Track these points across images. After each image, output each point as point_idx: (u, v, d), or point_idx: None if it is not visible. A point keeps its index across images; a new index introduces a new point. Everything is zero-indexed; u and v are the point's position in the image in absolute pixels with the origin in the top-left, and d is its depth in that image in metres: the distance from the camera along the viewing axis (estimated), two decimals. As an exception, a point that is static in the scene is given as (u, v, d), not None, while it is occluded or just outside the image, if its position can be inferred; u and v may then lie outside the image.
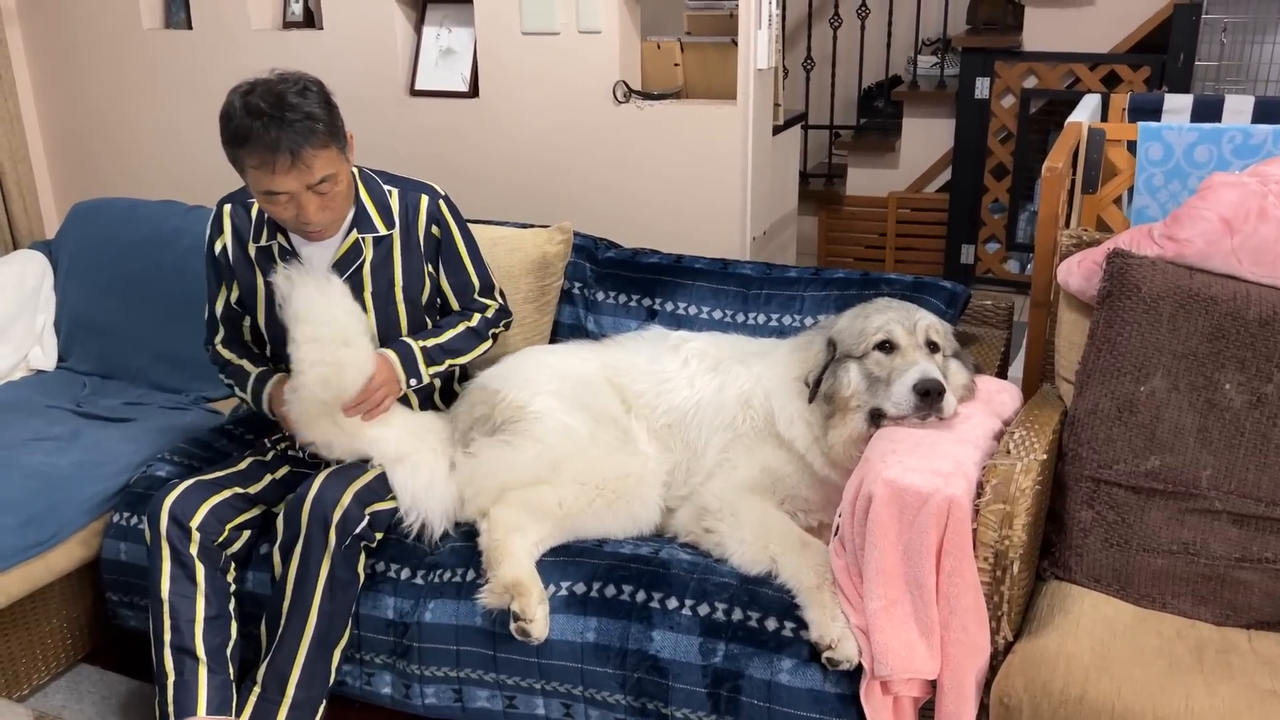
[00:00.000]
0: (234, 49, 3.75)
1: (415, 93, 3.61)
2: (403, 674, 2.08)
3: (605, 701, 1.95)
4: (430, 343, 2.27)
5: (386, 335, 2.26)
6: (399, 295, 2.25)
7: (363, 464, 2.14)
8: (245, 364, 2.31)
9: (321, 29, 3.65)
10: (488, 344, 2.38)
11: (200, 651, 2.02)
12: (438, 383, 2.37)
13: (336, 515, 2.01)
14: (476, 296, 2.37)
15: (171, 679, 2.02)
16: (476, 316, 2.36)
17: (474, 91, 3.53)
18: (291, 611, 2.01)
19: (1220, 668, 1.69)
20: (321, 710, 2.06)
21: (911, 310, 2.07)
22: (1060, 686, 1.66)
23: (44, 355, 3.11)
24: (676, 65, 3.52)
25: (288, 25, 3.79)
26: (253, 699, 2.02)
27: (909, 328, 2.02)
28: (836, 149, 5.89)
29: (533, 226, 2.77)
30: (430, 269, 2.31)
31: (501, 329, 2.42)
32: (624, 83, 3.33)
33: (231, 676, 2.05)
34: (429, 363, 2.25)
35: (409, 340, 2.25)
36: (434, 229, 2.28)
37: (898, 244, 5.45)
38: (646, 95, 3.35)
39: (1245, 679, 1.66)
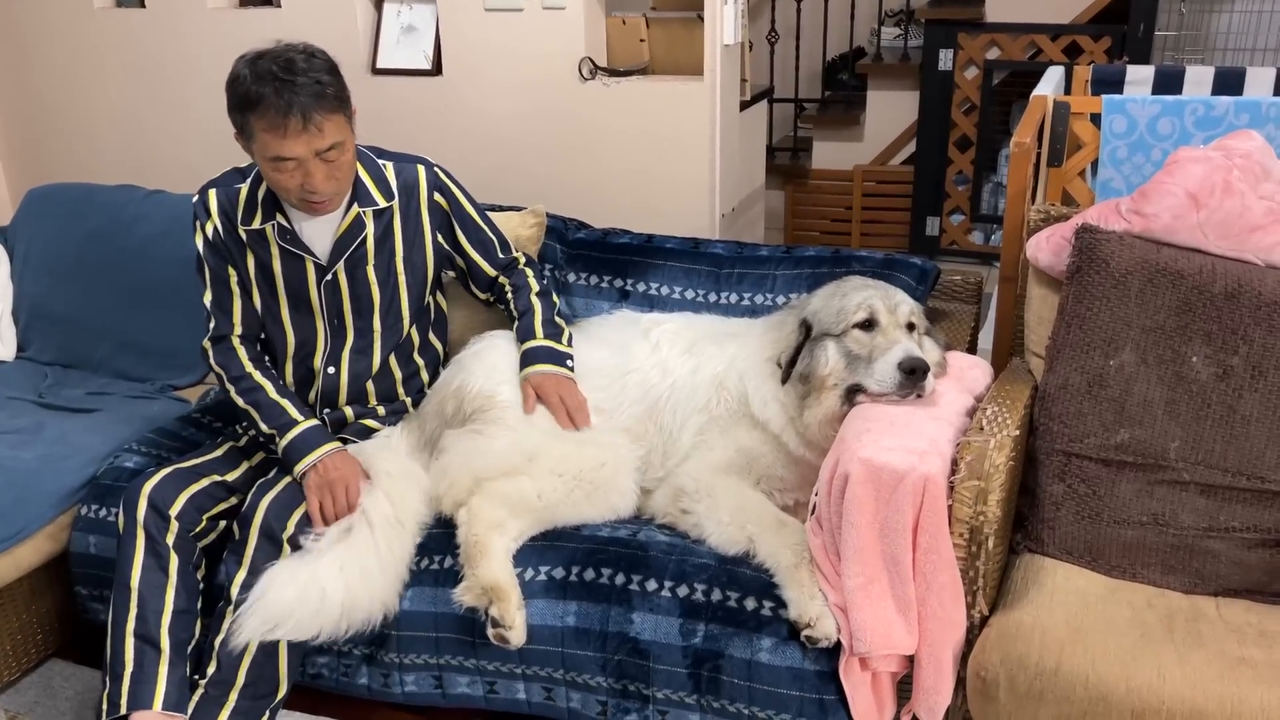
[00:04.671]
0: (189, 28, 3.67)
1: (377, 71, 3.56)
2: (381, 663, 2.07)
3: (587, 684, 1.96)
4: (545, 327, 2.29)
5: (389, 308, 2.25)
6: (400, 265, 2.24)
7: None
8: (283, 402, 2.17)
9: (279, 7, 3.58)
10: (556, 299, 2.42)
11: (164, 644, 1.99)
12: (425, 377, 2.38)
13: (287, 534, 2.02)
14: (500, 255, 2.38)
15: (129, 669, 1.98)
16: (530, 278, 2.39)
17: (437, 69, 3.49)
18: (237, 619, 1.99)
19: (1190, 636, 1.73)
20: (266, 717, 2.04)
21: (890, 290, 2.08)
22: (1036, 659, 1.68)
23: (2, 345, 3.04)
24: (642, 41, 3.50)
25: (244, 3, 3.71)
26: (196, 698, 2.00)
27: (890, 306, 2.02)
28: (801, 123, 5.88)
29: (501, 208, 2.74)
30: (441, 239, 2.30)
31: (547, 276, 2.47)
32: (589, 59, 3.30)
33: (188, 674, 2.02)
34: (568, 344, 2.30)
35: (537, 342, 2.26)
36: (437, 197, 2.27)
37: (864, 217, 5.47)
38: (612, 72, 3.32)
39: (1215, 647, 1.69)
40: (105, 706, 2.00)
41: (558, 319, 2.34)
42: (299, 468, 2.09)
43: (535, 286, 2.38)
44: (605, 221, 2.87)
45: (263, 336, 2.27)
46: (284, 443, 2.12)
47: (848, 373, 1.99)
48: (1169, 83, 3.50)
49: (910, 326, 2.03)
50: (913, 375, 1.90)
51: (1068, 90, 3.60)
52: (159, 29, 3.71)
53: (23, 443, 2.46)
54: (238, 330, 2.24)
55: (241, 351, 2.22)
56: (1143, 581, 1.91)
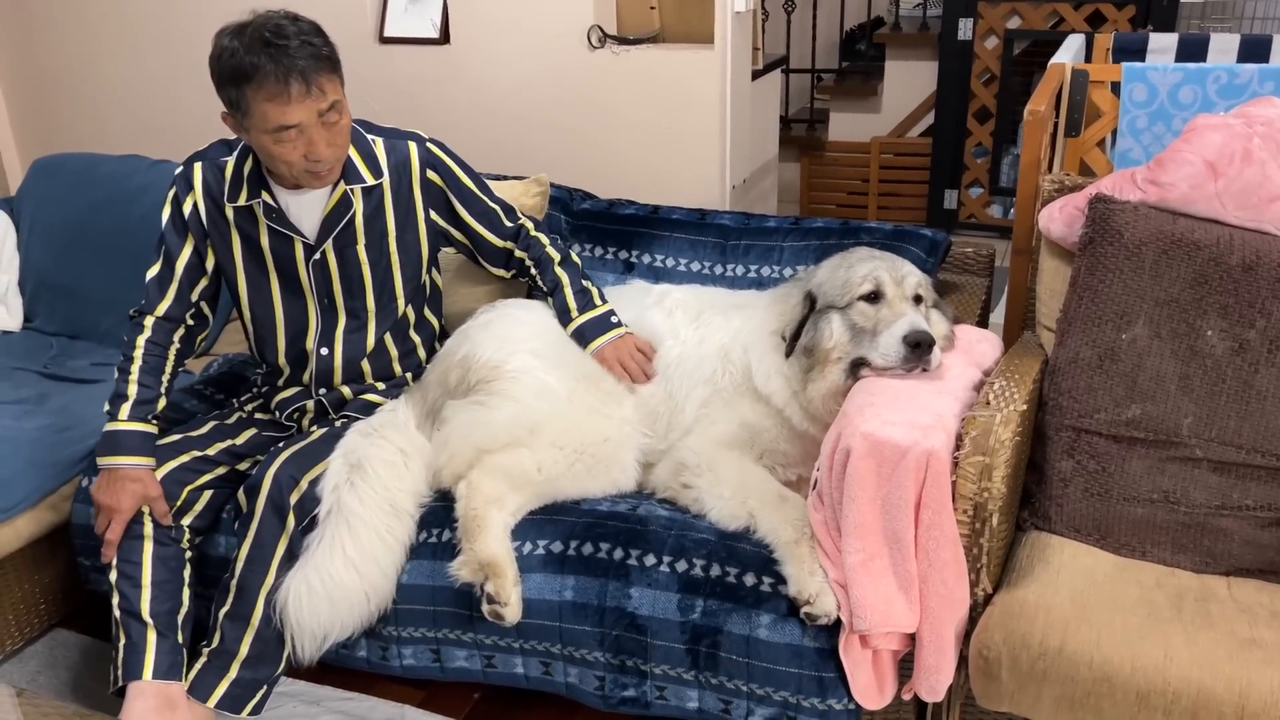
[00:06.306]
0: (196, -3, 3.64)
1: (385, 40, 3.52)
2: (380, 636, 2.06)
3: (584, 660, 1.93)
4: (577, 299, 2.27)
5: (382, 289, 2.22)
6: (393, 246, 2.20)
7: (322, 449, 2.08)
8: (132, 391, 2.11)
9: (286, -26, 3.54)
10: (576, 256, 2.38)
11: (146, 615, 1.99)
12: (422, 354, 2.35)
13: (294, 499, 1.99)
14: (507, 223, 2.33)
15: (122, 642, 1.99)
16: (546, 248, 2.33)
17: (445, 38, 3.45)
18: (240, 590, 1.99)
19: (1199, 616, 1.68)
20: (261, 693, 2.03)
21: (897, 261, 2.03)
22: (1039, 638, 1.64)
23: (9, 316, 3.04)
24: (653, 8, 3.43)
25: (251, -29, 3.67)
26: (197, 667, 2.01)
27: (897, 279, 1.98)
28: (818, 93, 5.80)
29: (508, 178, 2.70)
30: (436, 217, 2.25)
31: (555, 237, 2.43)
32: (599, 27, 3.25)
33: (182, 641, 2.02)
34: (601, 300, 2.28)
35: (576, 322, 2.24)
36: (430, 174, 2.22)
37: (880, 190, 5.39)
38: (622, 40, 3.27)
39: (1224, 627, 1.65)
40: (111, 677, 2.02)
41: (585, 282, 2.31)
42: (99, 461, 2.07)
43: (556, 256, 2.33)
44: (615, 193, 2.83)
45: (191, 323, 2.23)
46: (105, 428, 2.09)
47: (852, 346, 1.95)
48: (1193, 51, 3.42)
49: (917, 299, 1.99)
50: (918, 349, 1.86)
51: (1088, 59, 3.52)
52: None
53: (25, 413, 2.46)
54: (159, 311, 2.18)
55: (147, 330, 2.17)
56: (1152, 560, 1.86)
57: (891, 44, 5.35)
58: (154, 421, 2.12)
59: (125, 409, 2.10)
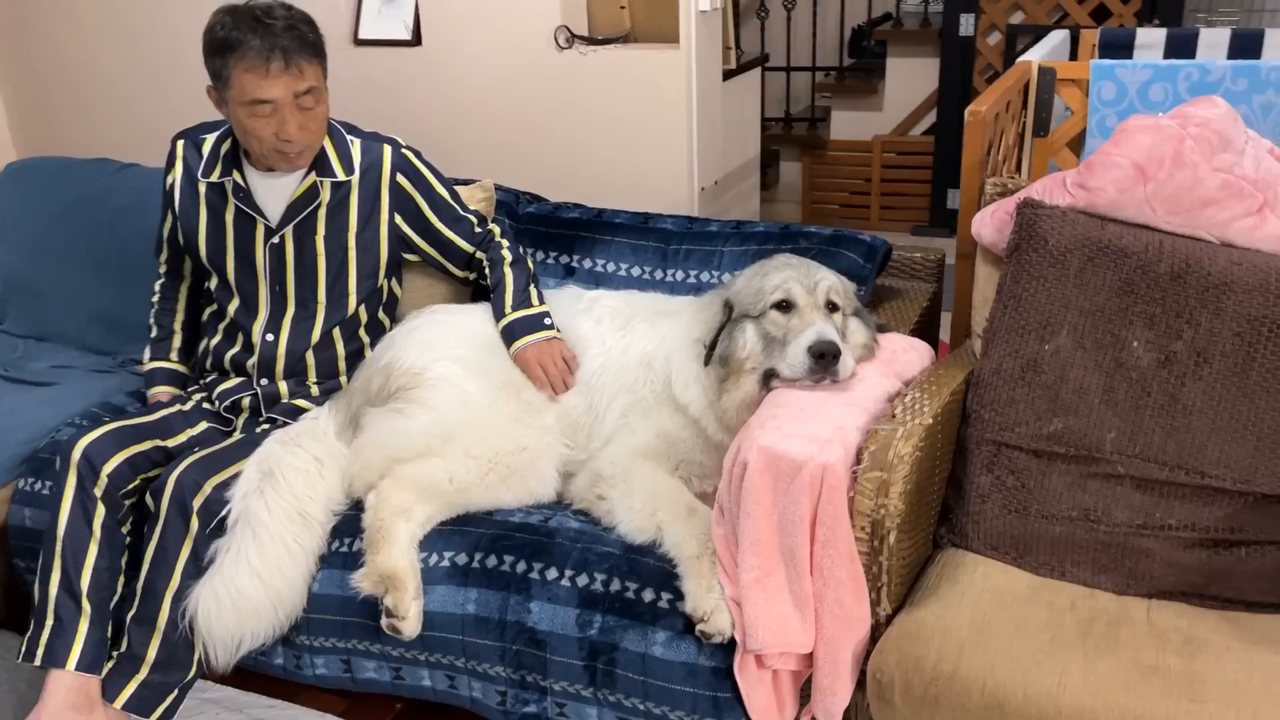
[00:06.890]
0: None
1: (359, 42, 3.52)
2: (294, 645, 2.04)
3: (487, 674, 1.90)
4: (515, 298, 2.25)
5: (335, 283, 2.24)
6: (351, 242, 2.24)
7: (231, 454, 2.08)
8: (168, 337, 2.43)
9: (262, -22, 3.55)
10: (530, 264, 2.40)
11: (84, 598, 1.98)
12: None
13: (197, 503, 1.98)
14: (478, 230, 2.37)
15: (49, 622, 1.97)
16: (504, 250, 2.35)
17: (416, 39, 3.43)
18: (145, 594, 1.98)
19: (1107, 641, 1.61)
20: (172, 698, 2.02)
21: (812, 268, 1.98)
22: (933, 662, 1.58)
23: (-21, 318, 3.08)
24: (623, 8, 3.39)
25: (229, -25, 3.69)
26: (107, 668, 2.00)
27: (808, 287, 1.92)
28: (820, 92, 5.71)
29: (469, 182, 2.68)
30: (400, 222, 2.29)
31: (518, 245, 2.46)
32: (566, 28, 3.21)
33: (108, 635, 2.02)
34: (539, 302, 2.26)
35: (508, 318, 2.23)
36: (400, 179, 2.26)
37: (883, 189, 5.30)
38: (589, 40, 3.23)
39: (1130, 654, 1.58)
40: (24, 647, 2.01)
41: (530, 285, 2.30)
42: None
43: (508, 257, 2.34)
44: (583, 195, 2.79)
45: (192, 280, 2.42)
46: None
47: (765, 356, 1.90)
48: (1181, 46, 3.30)
49: (833, 307, 1.93)
50: (822, 359, 1.80)
51: (1074, 56, 3.42)
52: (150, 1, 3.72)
53: (-29, 414, 2.48)
54: (161, 266, 2.44)
55: (161, 277, 2.45)
56: (1072, 580, 1.79)
57: (893, 41, 5.25)
58: (174, 358, 2.42)
59: (148, 350, 2.43)
